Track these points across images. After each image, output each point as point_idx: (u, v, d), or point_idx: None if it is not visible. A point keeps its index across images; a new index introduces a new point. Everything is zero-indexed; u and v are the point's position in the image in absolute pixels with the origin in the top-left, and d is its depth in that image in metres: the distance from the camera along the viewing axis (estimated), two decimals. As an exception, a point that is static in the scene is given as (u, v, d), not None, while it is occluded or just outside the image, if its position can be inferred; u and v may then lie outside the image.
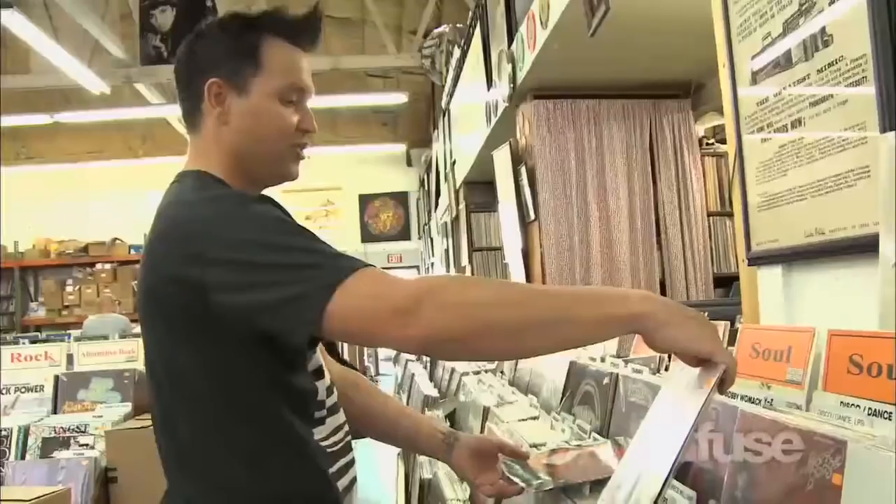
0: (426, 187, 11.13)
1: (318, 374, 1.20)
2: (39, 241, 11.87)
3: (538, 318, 0.94)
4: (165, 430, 1.17)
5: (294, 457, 1.12)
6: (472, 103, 5.69)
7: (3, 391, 2.90)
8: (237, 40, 1.21)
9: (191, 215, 1.08)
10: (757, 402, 1.11)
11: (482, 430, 2.02)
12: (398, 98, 9.39)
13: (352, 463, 1.25)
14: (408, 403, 4.40)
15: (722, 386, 0.91)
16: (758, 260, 1.52)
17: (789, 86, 1.36)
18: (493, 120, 4.78)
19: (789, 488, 0.85)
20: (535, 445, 1.55)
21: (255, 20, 1.23)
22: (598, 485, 1.20)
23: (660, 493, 0.80)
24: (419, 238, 12.63)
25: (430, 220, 10.71)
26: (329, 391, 1.23)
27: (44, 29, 6.81)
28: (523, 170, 4.20)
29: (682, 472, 1.17)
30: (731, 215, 4.28)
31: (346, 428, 1.27)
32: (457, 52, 6.48)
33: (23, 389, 2.90)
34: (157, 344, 1.15)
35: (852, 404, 0.95)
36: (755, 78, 1.47)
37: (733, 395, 1.16)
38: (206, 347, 1.07)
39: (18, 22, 6.51)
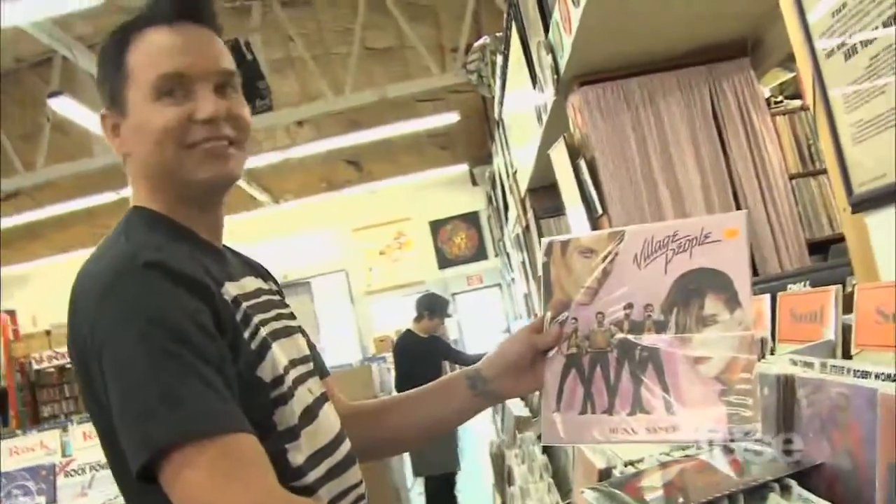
0: (494, 203, 10.97)
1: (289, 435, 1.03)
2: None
3: None
4: None
5: None
6: (521, 107, 5.51)
7: (80, 471, 2.96)
8: (110, 56, 1.06)
9: (89, 316, 0.94)
10: (898, 379, 0.85)
11: (574, 449, 1.81)
12: (450, 118, 9.29)
13: None
14: (502, 425, 4.19)
15: None
16: (863, 203, 1.24)
17: (870, -19, 1.09)
18: (545, 118, 4.57)
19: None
20: (630, 463, 1.34)
21: (123, 25, 1.06)
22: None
23: None
24: (496, 255, 12.46)
25: (503, 235, 10.53)
26: (317, 456, 1.05)
27: (96, 108, 6.98)
28: (582, 163, 3.96)
29: (810, 478, 0.92)
30: (815, 174, 3.94)
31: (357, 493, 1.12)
32: (499, 60, 6.33)
33: (97, 468, 2.92)
34: None
35: None
36: (824, -16, 1.21)
37: (864, 374, 0.90)
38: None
39: (70, 107, 6.68)
